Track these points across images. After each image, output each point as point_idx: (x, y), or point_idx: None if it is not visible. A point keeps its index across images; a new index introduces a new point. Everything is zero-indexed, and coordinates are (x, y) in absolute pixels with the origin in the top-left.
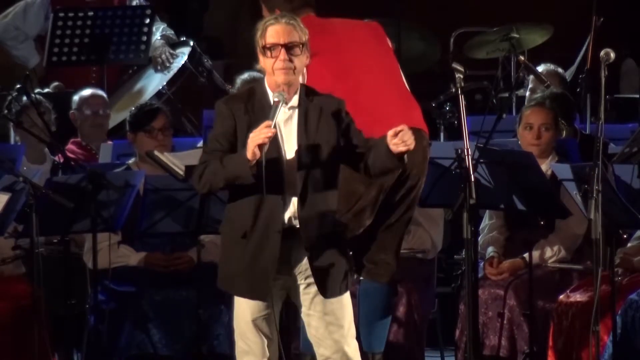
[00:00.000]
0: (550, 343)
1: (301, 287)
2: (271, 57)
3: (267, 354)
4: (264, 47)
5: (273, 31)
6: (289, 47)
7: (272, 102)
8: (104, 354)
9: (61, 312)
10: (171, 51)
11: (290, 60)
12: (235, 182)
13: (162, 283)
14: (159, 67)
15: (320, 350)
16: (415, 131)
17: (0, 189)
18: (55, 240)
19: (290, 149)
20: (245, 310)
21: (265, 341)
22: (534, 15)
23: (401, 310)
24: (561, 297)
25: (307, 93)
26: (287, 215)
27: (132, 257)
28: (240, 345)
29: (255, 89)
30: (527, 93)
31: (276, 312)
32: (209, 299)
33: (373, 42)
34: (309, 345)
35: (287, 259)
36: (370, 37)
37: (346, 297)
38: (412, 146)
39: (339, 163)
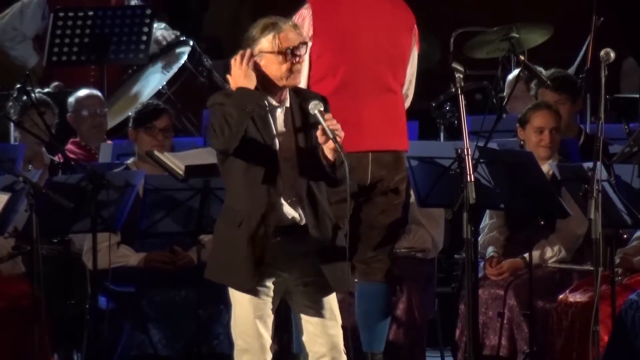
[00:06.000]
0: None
1: (301, 284)
2: (287, 60)
3: (270, 354)
4: (281, 52)
5: (288, 34)
6: (299, 50)
7: (312, 113)
8: (104, 354)
9: (61, 312)
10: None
11: (300, 64)
12: (246, 109)
13: (162, 283)
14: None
15: (315, 348)
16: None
17: (0, 188)
18: (55, 240)
19: (288, 149)
20: (246, 309)
21: (267, 340)
22: (534, 15)
23: (402, 310)
24: (561, 297)
25: (293, 90)
26: (289, 212)
27: (132, 257)
28: (239, 344)
29: None
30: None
31: (273, 310)
32: (209, 299)
33: (389, 26)
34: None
35: (289, 256)
36: (388, 20)
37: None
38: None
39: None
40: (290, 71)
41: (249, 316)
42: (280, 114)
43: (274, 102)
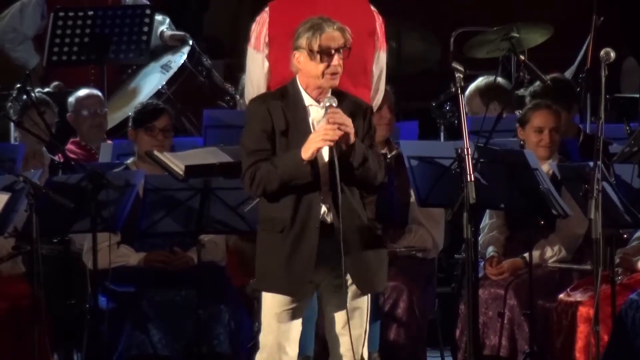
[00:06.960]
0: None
1: (332, 282)
2: (323, 61)
3: (290, 354)
4: (319, 51)
5: (329, 35)
6: (339, 52)
7: (324, 106)
8: (104, 354)
9: (61, 312)
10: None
11: (339, 65)
12: (290, 183)
13: (162, 283)
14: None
15: (335, 348)
16: None
17: (0, 189)
18: (55, 240)
19: (324, 148)
20: (271, 303)
21: (290, 339)
22: (534, 15)
23: (402, 310)
24: (561, 296)
25: (336, 94)
26: (323, 212)
27: (132, 257)
28: (261, 339)
29: (287, 89)
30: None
31: (303, 307)
32: (209, 299)
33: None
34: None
35: (322, 255)
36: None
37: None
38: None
39: None
40: (326, 72)
41: (273, 310)
42: (317, 112)
43: (312, 100)
